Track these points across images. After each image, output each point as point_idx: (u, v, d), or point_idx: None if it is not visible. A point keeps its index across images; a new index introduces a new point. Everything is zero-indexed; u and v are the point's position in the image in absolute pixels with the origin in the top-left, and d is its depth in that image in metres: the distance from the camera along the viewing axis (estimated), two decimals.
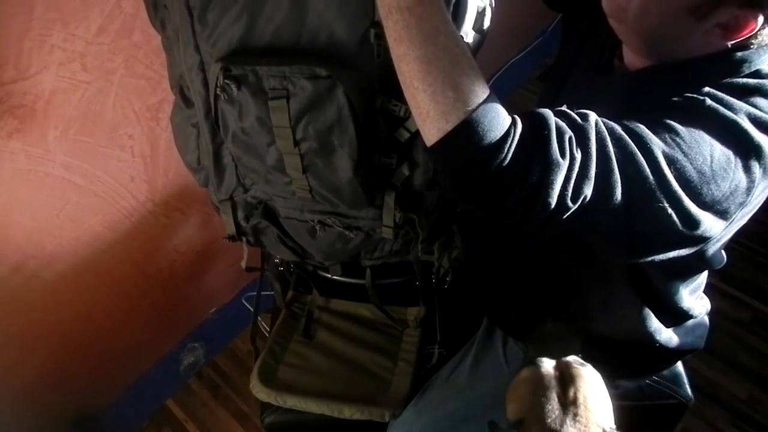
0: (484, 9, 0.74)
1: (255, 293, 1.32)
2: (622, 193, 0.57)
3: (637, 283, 0.82)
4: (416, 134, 0.74)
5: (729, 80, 0.64)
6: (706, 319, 1.04)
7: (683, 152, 0.58)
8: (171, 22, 0.76)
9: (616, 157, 0.57)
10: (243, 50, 0.67)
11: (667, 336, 0.94)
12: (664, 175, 0.57)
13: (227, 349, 1.90)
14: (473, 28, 0.73)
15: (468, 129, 0.54)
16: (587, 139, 0.57)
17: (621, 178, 0.57)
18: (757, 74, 0.65)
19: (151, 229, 1.42)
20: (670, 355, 1.00)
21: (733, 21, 0.60)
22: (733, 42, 0.63)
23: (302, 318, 1.30)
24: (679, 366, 1.25)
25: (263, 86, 0.68)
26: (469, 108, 0.54)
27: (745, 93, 0.63)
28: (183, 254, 1.56)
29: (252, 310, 1.83)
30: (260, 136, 0.74)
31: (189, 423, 1.76)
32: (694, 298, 0.94)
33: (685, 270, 0.83)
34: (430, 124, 0.56)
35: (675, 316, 0.93)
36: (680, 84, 0.66)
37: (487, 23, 0.76)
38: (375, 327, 1.28)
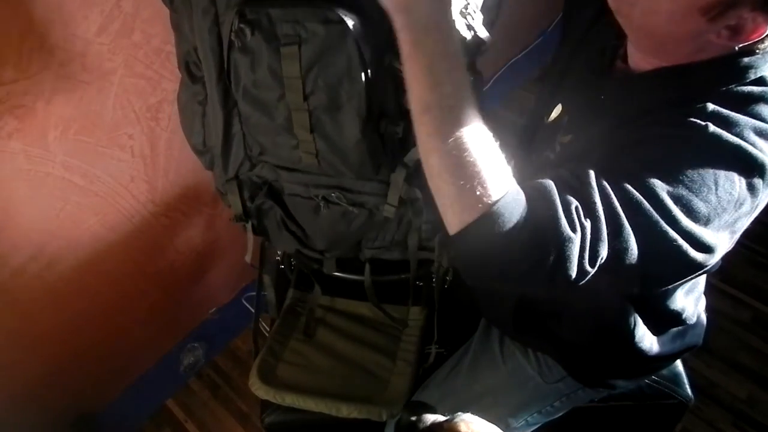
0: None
1: (255, 293, 1.32)
2: (636, 243, 0.58)
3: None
4: None
5: (733, 88, 0.64)
6: (704, 316, 1.04)
7: (687, 187, 0.59)
8: None
9: (623, 211, 0.58)
10: None
11: (659, 342, 0.95)
12: (672, 216, 0.58)
13: (227, 349, 1.90)
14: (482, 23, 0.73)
15: (489, 222, 0.56)
16: (592, 203, 0.58)
17: (633, 229, 0.58)
18: (761, 81, 0.64)
19: (152, 229, 1.42)
20: (667, 357, 1.01)
21: (744, 23, 0.59)
22: (740, 45, 0.62)
23: (302, 316, 1.30)
24: (679, 366, 1.26)
25: (276, 32, 0.69)
26: (492, 201, 0.56)
27: (750, 102, 0.63)
28: (183, 254, 1.56)
29: (252, 310, 1.84)
30: (271, 90, 0.75)
31: (189, 423, 1.76)
32: (692, 300, 0.94)
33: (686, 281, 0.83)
34: (453, 215, 0.58)
35: (666, 321, 0.93)
36: (684, 90, 0.66)
37: (478, 23, 0.75)
38: (375, 326, 1.29)
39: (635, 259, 0.58)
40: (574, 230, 0.56)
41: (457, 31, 0.64)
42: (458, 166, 0.56)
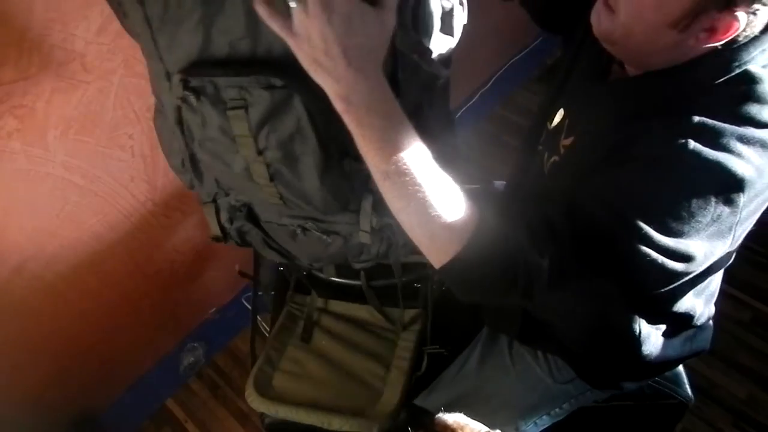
0: (452, 9, 0.72)
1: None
2: (603, 259, 0.62)
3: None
4: None
5: (720, 86, 0.65)
6: (710, 321, 1.04)
7: (662, 207, 0.61)
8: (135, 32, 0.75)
9: (594, 232, 0.62)
10: (202, 61, 0.67)
11: (669, 347, 0.95)
12: (644, 234, 0.60)
13: (227, 349, 1.90)
14: (441, 31, 0.71)
15: (462, 262, 0.63)
16: (555, 231, 0.62)
17: (602, 248, 0.62)
18: (746, 76, 0.65)
19: (152, 229, 1.42)
20: (676, 361, 1.01)
21: (717, 24, 0.61)
22: (722, 42, 0.63)
23: (301, 320, 1.31)
24: (680, 366, 1.26)
25: (222, 96, 0.68)
26: (463, 242, 0.62)
27: (736, 101, 0.64)
28: (183, 254, 1.56)
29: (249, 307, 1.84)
30: (225, 145, 0.74)
31: (189, 423, 1.76)
32: (702, 301, 0.93)
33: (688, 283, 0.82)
34: (431, 258, 0.65)
35: (677, 322, 0.93)
36: (673, 89, 0.67)
37: (458, 24, 0.74)
38: (372, 330, 1.29)
39: (606, 273, 0.63)
40: (543, 256, 0.61)
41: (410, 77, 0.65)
42: (426, 222, 0.62)
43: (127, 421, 1.73)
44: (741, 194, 0.61)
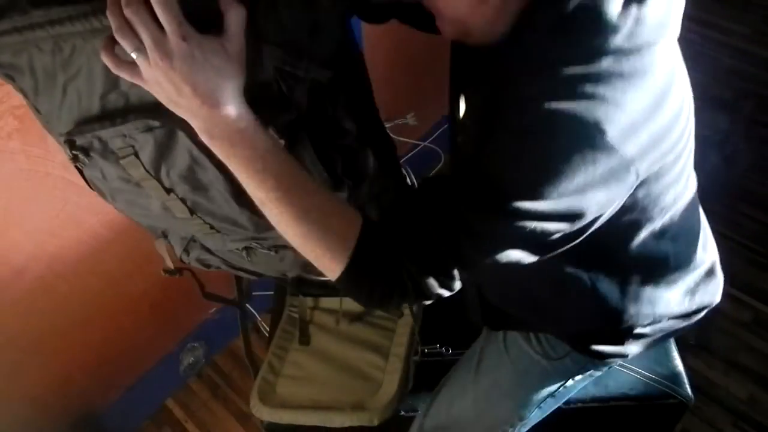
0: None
1: (255, 293, 1.32)
2: (490, 239, 0.66)
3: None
4: (288, 147, 0.70)
5: (559, 22, 0.61)
6: (719, 272, 0.99)
7: (528, 176, 0.61)
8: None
9: (469, 219, 0.64)
10: (84, 121, 0.66)
11: (660, 301, 0.90)
12: (520, 210, 0.61)
13: (227, 349, 1.90)
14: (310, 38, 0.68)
15: (349, 277, 0.67)
16: (441, 227, 0.65)
17: (481, 231, 0.65)
18: (584, 8, 0.60)
19: None
20: (678, 317, 0.96)
21: None
22: None
23: (298, 322, 1.31)
24: (679, 366, 1.26)
25: (110, 148, 0.67)
26: (344, 261, 0.66)
27: (575, 33, 0.61)
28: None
29: (252, 311, 1.84)
30: (133, 192, 0.74)
31: (189, 423, 1.76)
32: (670, 244, 0.86)
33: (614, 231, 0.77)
34: (327, 273, 0.69)
35: (651, 270, 0.88)
36: (519, 36, 0.65)
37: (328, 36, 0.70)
38: (369, 321, 1.30)
39: (491, 252, 0.66)
40: (423, 262, 0.66)
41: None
42: (310, 239, 0.65)
43: (127, 421, 1.73)
44: (604, 135, 0.59)
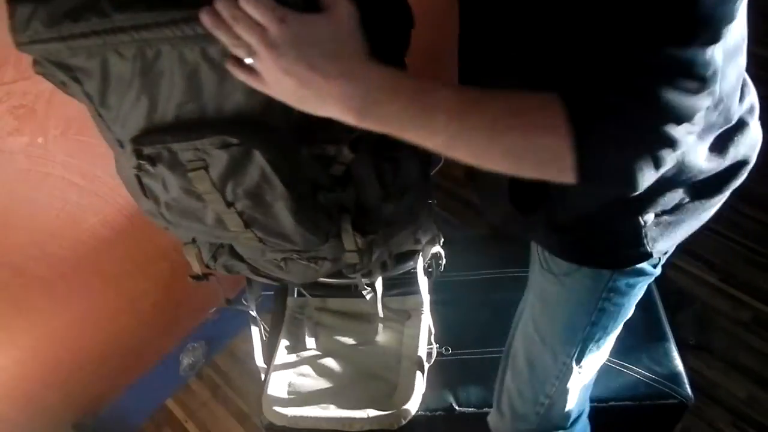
0: None
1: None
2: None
3: None
4: (353, 161, 0.71)
5: None
6: (757, 123, 0.82)
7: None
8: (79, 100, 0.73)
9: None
10: (152, 129, 0.66)
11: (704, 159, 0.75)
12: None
13: (227, 349, 1.90)
14: None
15: (587, 150, 0.53)
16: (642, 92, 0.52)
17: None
18: None
19: (152, 229, 1.41)
20: (710, 183, 0.79)
21: None
22: None
23: (304, 325, 1.30)
24: (679, 366, 1.26)
25: (179, 159, 0.67)
26: (569, 136, 0.52)
27: None
28: (183, 254, 1.56)
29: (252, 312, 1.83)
30: (191, 203, 0.73)
31: (189, 423, 1.76)
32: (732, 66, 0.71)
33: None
34: (561, 176, 0.55)
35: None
36: None
37: None
38: (376, 322, 1.29)
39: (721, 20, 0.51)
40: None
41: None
42: (521, 156, 0.55)
43: (127, 421, 1.73)
44: None
